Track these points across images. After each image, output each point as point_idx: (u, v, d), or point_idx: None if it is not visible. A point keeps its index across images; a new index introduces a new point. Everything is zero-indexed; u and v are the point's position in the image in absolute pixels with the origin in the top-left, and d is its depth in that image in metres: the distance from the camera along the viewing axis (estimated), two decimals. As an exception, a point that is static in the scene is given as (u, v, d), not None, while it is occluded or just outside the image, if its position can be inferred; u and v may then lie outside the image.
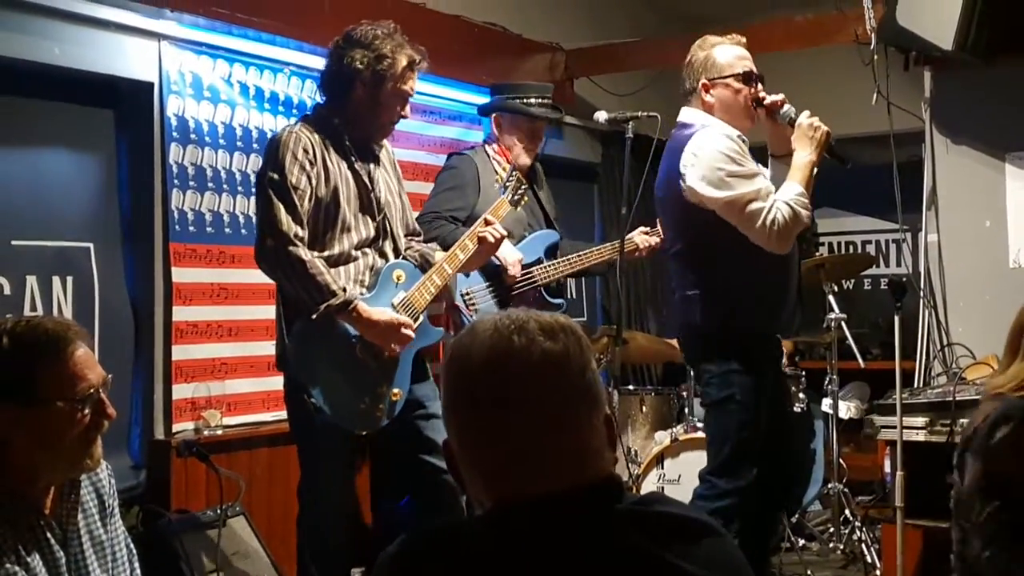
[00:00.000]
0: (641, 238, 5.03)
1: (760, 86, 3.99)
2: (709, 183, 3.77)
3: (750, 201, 3.74)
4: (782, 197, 3.78)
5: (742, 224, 3.77)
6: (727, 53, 3.98)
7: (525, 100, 5.03)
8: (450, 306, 4.71)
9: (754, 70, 3.98)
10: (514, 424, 1.57)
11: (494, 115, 5.07)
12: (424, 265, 3.97)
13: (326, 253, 3.67)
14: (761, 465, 3.87)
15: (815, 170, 3.87)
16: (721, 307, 3.88)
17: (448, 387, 1.63)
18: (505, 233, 4.12)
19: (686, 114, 4.01)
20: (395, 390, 3.74)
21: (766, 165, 4.07)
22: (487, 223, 4.03)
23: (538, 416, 1.56)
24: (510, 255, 4.72)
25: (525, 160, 4.96)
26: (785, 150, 3.97)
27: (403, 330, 3.70)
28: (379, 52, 3.70)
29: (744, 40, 4.06)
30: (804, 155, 3.85)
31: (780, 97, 3.97)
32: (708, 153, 3.79)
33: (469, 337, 1.62)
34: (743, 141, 3.92)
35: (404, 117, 3.86)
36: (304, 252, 3.56)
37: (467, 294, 4.73)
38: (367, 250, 3.78)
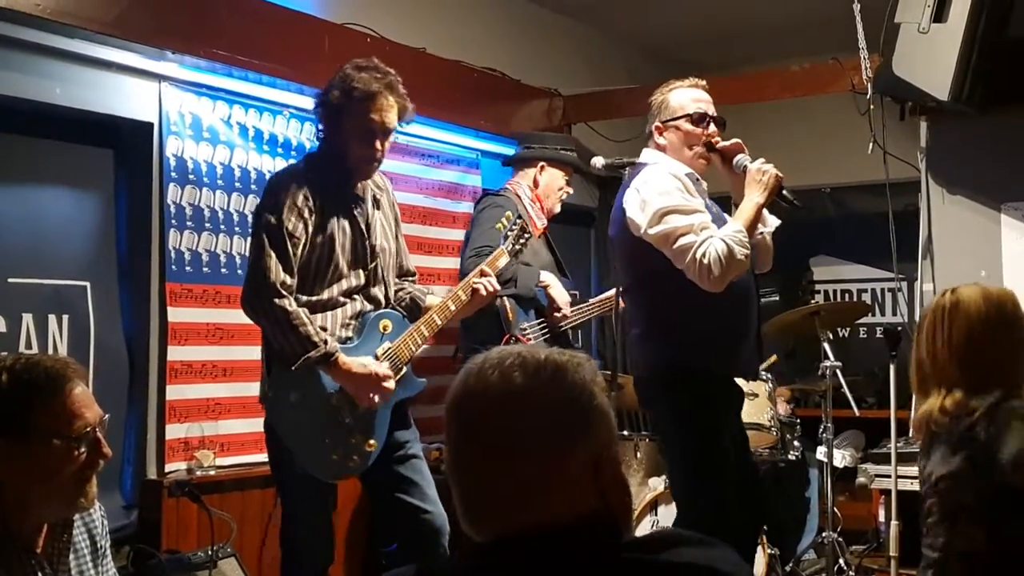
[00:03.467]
0: None
1: (714, 129, 3.95)
2: (646, 216, 3.71)
3: (682, 235, 3.65)
4: (719, 234, 3.67)
5: (674, 258, 3.68)
6: (681, 95, 3.98)
7: (565, 151, 5.43)
8: (510, 338, 4.84)
9: (709, 112, 3.95)
10: (477, 461, 1.57)
11: (541, 164, 5.35)
12: (413, 309, 3.97)
13: (314, 298, 3.67)
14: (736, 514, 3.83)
15: (761, 212, 3.80)
16: (673, 345, 3.81)
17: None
18: (499, 287, 4.11)
19: (643, 155, 4.01)
20: (371, 441, 3.72)
21: (731, 214, 4.01)
22: (483, 274, 4.00)
23: (496, 454, 1.55)
24: (561, 296, 5.03)
25: (558, 208, 5.39)
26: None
27: (383, 383, 3.69)
28: (351, 83, 3.67)
29: (704, 83, 4.04)
30: (752, 198, 3.77)
31: (734, 142, 3.94)
32: (648, 188, 3.75)
33: (460, 374, 1.62)
34: (695, 179, 3.88)
35: (379, 152, 3.73)
36: (289, 303, 3.55)
37: (524, 329, 4.90)
38: (356, 296, 3.78)
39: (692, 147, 3.93)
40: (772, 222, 4.05)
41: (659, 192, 3.73)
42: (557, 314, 5.08)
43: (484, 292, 3.96)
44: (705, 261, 3.61)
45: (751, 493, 3.96)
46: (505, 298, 4.79)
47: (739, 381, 4.06)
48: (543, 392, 1.57)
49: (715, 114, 3.97)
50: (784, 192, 3.82)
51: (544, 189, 5.32)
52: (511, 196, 5.24)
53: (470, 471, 1.58)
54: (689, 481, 3.87)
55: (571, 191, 5.46)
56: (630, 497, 1.63)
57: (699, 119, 3.92)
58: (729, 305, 3.77)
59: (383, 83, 3.69)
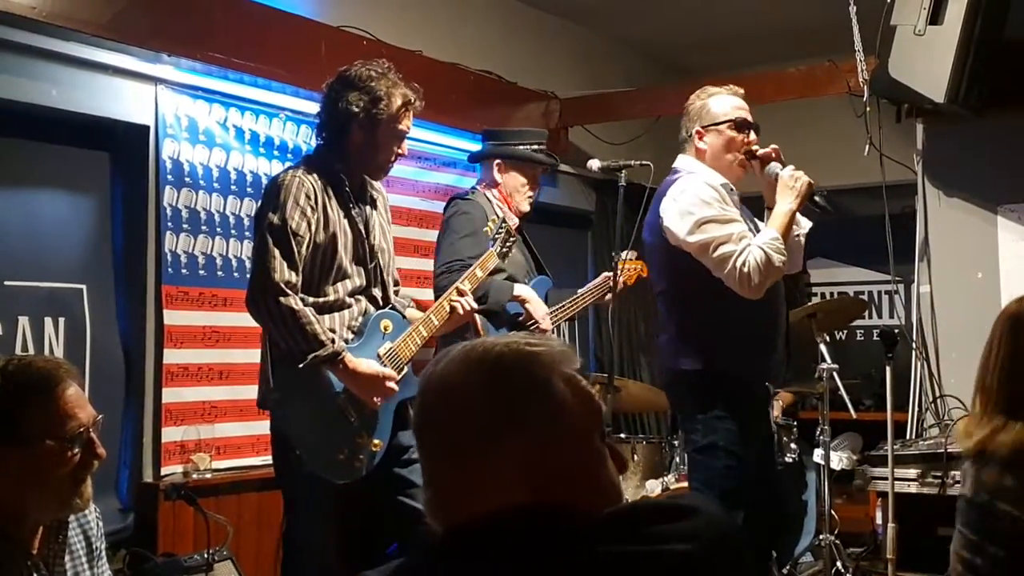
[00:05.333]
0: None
1: (753, 136, 4.03)
2: (684, 226, 3.80)
3: (721, 244, 3.75)
4: (756, 242, 3.78)
5: (713, 267, 3.78)
6: (722, 102, 4.06)
7: (527, 146, 5.03)
8: None
9: (748, 119, 4.04)
10: (422, 456, 1.60)
11: (497, 161, 4.98)
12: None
13: (320, 299, 3.67)
14: (748, 516, 3.85)
15: (794, 218, 3.89)
16: (704, 350, 3.88)
17: None
18: (476, 306, 4.10)
19: (678, 161, 4.08)
20: (375, 441, 3.72)
21: (762, 217, 4.08)
22: (460, 293, 4.00)
23: (434, 449, 1.58)
24: (539, 310, 4.69)
25: (526, 207, 4.98)
26: None
27: (387, 383, 3.70)
28: (374, 94, 3.69)
29: (742, 91, 4.12)
30: (784, 204, 3.87)
31: (773, 148, 4.01)
32: (686, 197, 3.84)
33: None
34: (729, 189, 3.95)
35: (402, 155, 3.84)
36: (295, 302, 3.54)
37: None
38: (359, 296, 3.78)
39: (732, 152, 4.01)
40: (805, 224, 4.16)
41: (697, 202, 3.82)
42: (539, 329, 4.71)
43: (460, 312, 3.99)
44: (745, 270, 3.73)
45: (774, 491, 4.06)
46: (476, 315, 4.45)
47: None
48: (474, 386, 1.56)
49: (753, 122, 4.07)
50: (816, 198, 3.94)
51: (507, 188, 4.98)
52: (479, 199, 4.92)
53: (423, 464, 1.60)
54: (713, 485, 3.88)
55: (534, 190, 5.05)
56: (593, 483, 1.58)
57: (741, 125, 4.02)
58: (761, 311, 3.87)
59: (405, 91, 3.76)
